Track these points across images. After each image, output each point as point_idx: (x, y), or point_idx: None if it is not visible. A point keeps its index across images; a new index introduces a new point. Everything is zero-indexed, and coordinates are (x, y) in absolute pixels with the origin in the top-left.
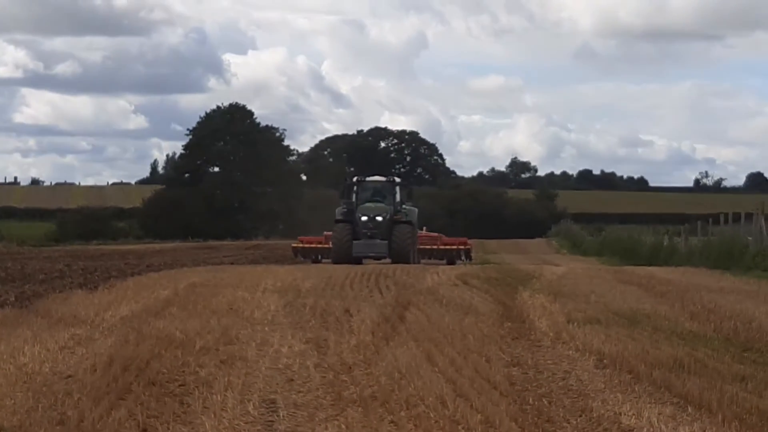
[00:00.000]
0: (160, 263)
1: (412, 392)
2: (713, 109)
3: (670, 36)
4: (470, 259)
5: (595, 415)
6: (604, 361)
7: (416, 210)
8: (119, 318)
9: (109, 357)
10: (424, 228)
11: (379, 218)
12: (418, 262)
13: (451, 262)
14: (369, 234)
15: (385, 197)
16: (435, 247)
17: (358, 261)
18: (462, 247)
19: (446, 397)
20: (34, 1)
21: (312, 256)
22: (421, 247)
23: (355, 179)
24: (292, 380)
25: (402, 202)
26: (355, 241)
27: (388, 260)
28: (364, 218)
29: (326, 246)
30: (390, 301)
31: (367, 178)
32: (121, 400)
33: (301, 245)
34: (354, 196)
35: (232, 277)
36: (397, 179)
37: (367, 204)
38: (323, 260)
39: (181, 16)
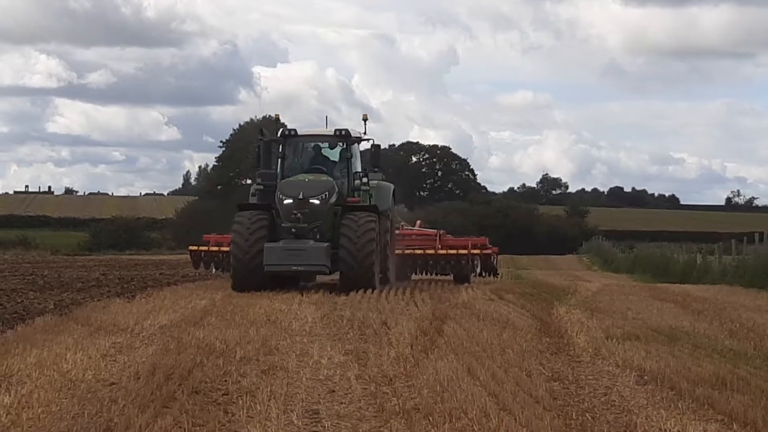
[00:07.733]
0: (195, 273)
1: (455, 405)
2: (744, 127)
3: (699, 54)
4: (495, 273)
5: (640, 431)
6: (645, 377)
7: (391, 186)
8: (158, 327)
9: (151, 365)
10: (418, 222)
11: (315, 201)
12: (400, 279)
13: (461, 279)
14: (294, 230)
15: (334, 165)
16: (432, 252)
17: (291, 281)
18: (479, 252)
19: (489, 410)
20: (67, 12)
21: (221, 264)
22: (412, 251)
23: (280, 132)
24: (334, 391)
25: (365, 173)
26: (268, 244)
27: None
28: (287, 201)
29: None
30: (427, 315)
31: (300, 132)
32: (165, 408)
33: (203, 248)
34: (279, 163)
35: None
36: (360, 134)
37: (299, 176)
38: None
39: (213, 28)
